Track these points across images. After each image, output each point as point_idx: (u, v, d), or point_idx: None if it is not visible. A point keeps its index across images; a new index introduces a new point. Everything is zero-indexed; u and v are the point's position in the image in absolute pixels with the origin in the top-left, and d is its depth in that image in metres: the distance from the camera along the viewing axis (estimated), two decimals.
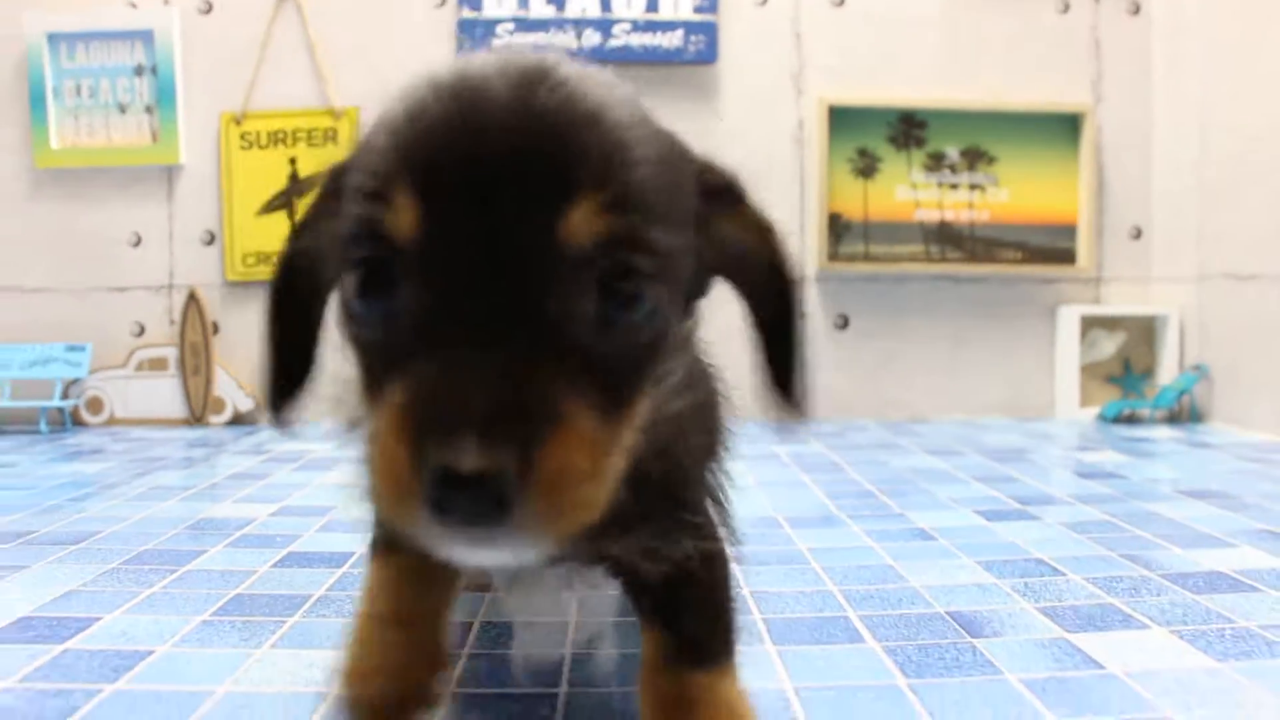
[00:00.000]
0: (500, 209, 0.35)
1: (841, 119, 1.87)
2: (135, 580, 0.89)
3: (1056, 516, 1.09)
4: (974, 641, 0.72)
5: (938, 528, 1.05)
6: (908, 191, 1.90)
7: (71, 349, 1.90)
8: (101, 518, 1.14)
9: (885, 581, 0.87)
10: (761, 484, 1.30)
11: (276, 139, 1.89)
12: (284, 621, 0.79)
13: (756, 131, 1.89)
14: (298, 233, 0.48)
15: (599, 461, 0.36)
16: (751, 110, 1.89)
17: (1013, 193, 1.91)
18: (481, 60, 0.40)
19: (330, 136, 1.88)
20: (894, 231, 1.90)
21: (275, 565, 0.94)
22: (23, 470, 1.45)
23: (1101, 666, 0.68)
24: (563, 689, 0.66)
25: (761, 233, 0.48)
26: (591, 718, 0.62)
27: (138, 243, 1.93)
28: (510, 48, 0.41)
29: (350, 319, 0.40)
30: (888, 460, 1.46)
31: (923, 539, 1.01)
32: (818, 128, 1.87)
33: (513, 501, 0.33)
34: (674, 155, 0.43)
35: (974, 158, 1.90)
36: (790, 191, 1.89)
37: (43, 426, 1.85)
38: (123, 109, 1.91)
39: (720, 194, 0.47)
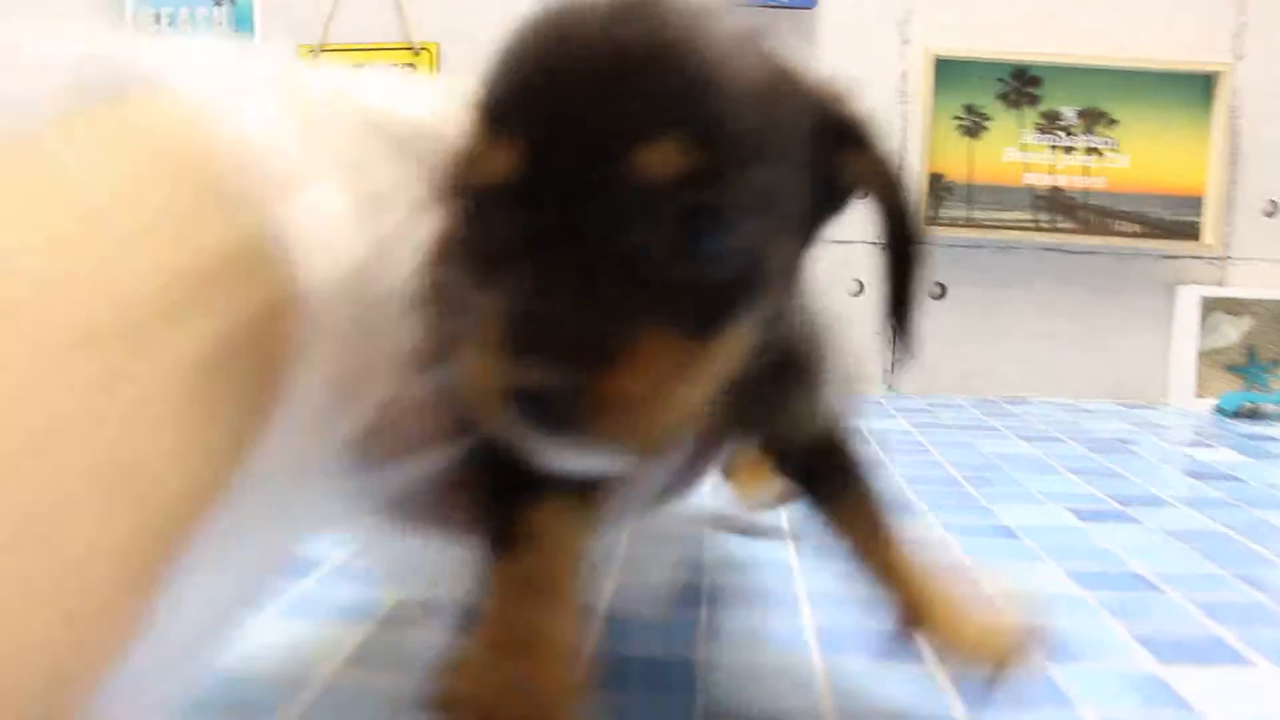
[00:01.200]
0: (586, 148, 0.37)
1: (948, 72, 1.74)
2: None
3: (1160, 521, 0.97)
4: (1048, 667, 0.62)
5: (1024, 525, 0.94)
6: (1017, 153, 1.76)
7: None
8: None
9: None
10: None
11: None
12: None
13: (856, 83, 1.76)
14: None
15: (669, 390, 0.38)
16: (852, 59, 1.76)
17: (1134, 158, 1.75)
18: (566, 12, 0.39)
19: (409, 72, 1.81)
20: (1000, 196, 1.76)
21: None
22: None
23: (1194, 711, 0.57)
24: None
25: (882, 180, 0.48)
26: None
27: None
28: None
29: (449, 246, 0.41)
30: (977, 444, 1.34)
31: (1006, 537, 0.90)
32: (923, 81, 1.74)
33: (585, 417, 0.35)
34: (783, 90, 0.42)
35: (1092, 119, 1.75)
36: (890, 149, 1.76)
37: None
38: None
39: (844, 132, 0.46)
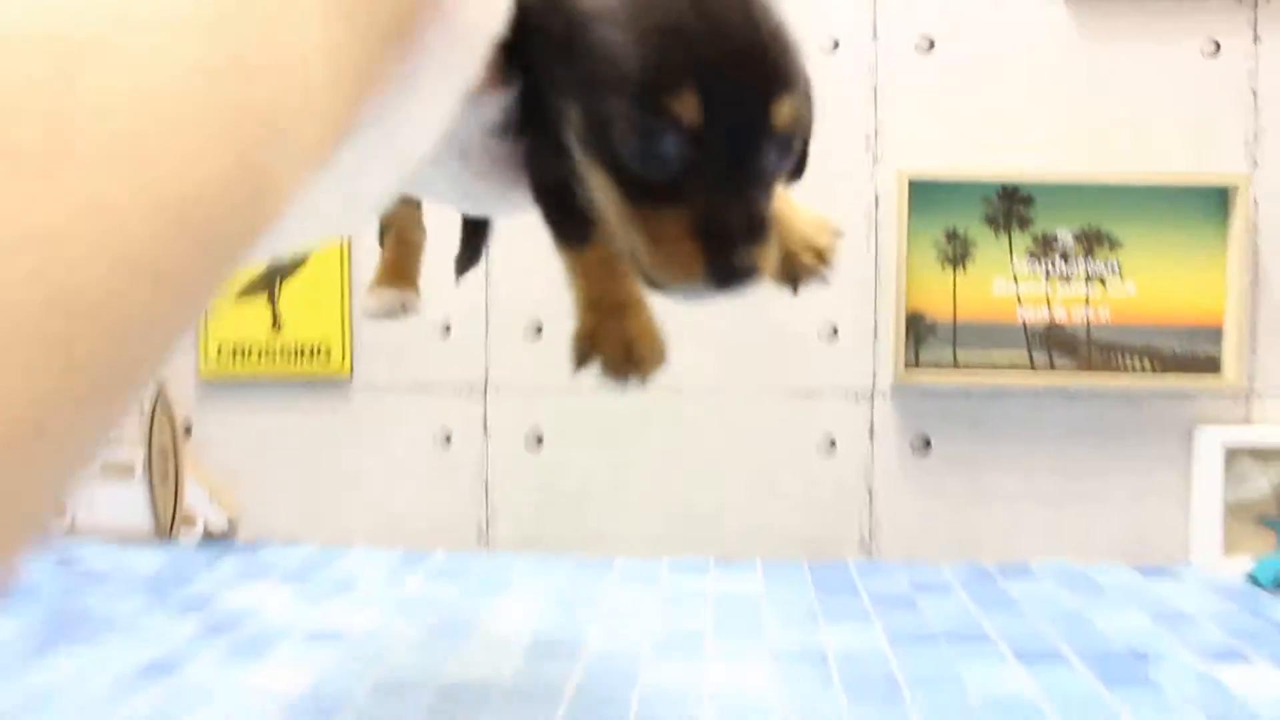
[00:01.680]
0: (743, 104, 0.53)
1: (926, 195, 1.52)
2: None
3: None
4: None
5: None
6: (1008, 285, 1.54)
7: None
8: None
9: None
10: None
11: None
12: None
13: (822, 209, 1.54)
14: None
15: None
16: (815, 182, 1.54)
17: (1141, 285, 1.53)
18: None
19: None
20: (990, 334, 1.54)
21: None
22: None
23: None
24: None
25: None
26: None
27: None
28: None
29: (615, 151, 0.54)
30: (961, 676, 1.11)
31: None
32: (896, 205, 1.52)
33: (753, 276, 0.54)
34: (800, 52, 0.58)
35: (1092, 242, 1.53)
36: (860, 284, 1.55)
37: None
38: None
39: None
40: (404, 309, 0.99)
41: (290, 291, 1.62)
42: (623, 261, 0.60)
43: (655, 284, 0.57)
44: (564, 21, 0.54)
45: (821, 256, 0.76)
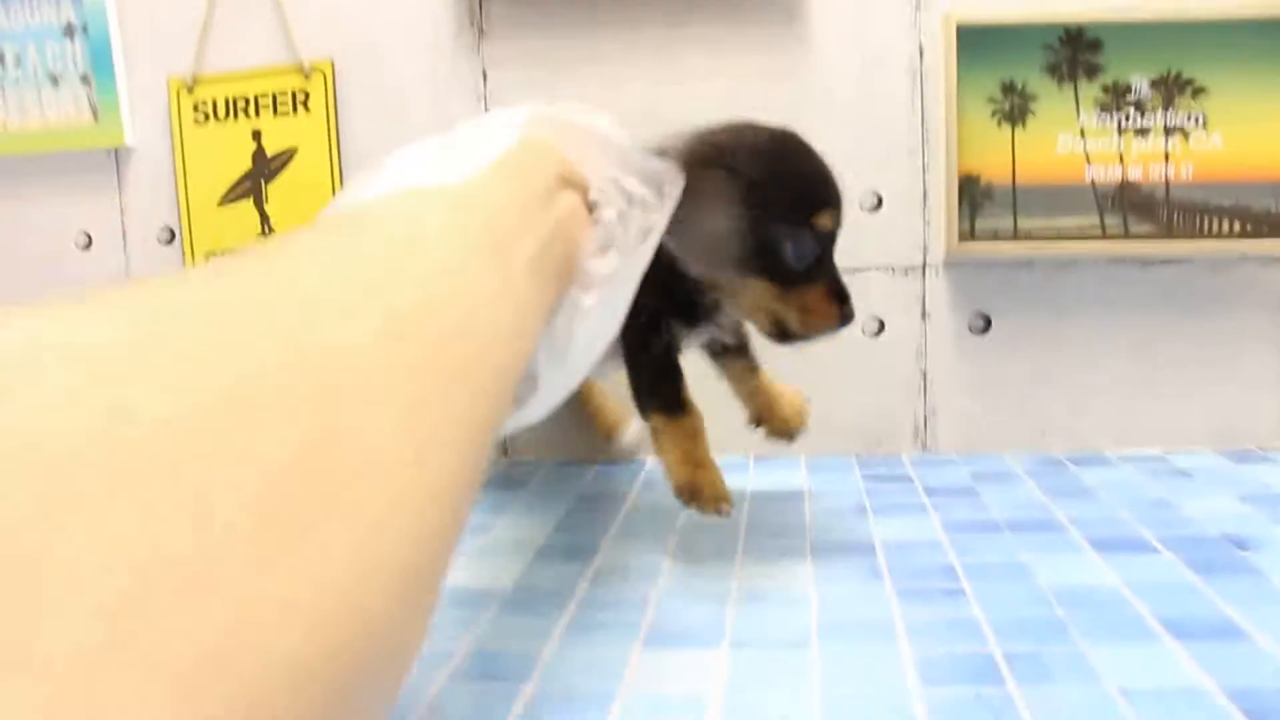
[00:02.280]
0: (840, 217, 0.93)
1: (977, 42, 1.34)
2: None
3: None
4: None
5: None
6: (1074, 141, 1.36)
7: None
8: None
9: None
10: (827, 629, 0.83)
11: (236, 108, 1.48)
12: None
13: (858, 63, 1.38)
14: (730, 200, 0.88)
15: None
16: (851, 34, 1.37)
17: (1228, 137, 1.34)
18: (782, 129, 0.94)
19: (301, 101, 1.46)
20: (1055, 198, 1.36)
21: None
22: None
23: None
24: None
25: None
26: None
27: (88, 244, 1.56)
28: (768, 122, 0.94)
29: (780, 259, 0.88)
30: (1034, 566, 0.96)
31: None
32: (944, 56, 1.35)
33: (852, 316, 0.91)
34: None
35: (1172, 89, 1.35)
36: (906, 147, 1.38)
37: None
38: (55, 81, 1.53)
39: None
40: None
41: (276, 193, 1.48)
42: (760, 331, 0.97)
43: (800, 337, 0.93)
44: (745, 184, 0.87)
45: (789, 423, 1.17)
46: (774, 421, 1.15)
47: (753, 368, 1.14)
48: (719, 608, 0.89)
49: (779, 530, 1.10)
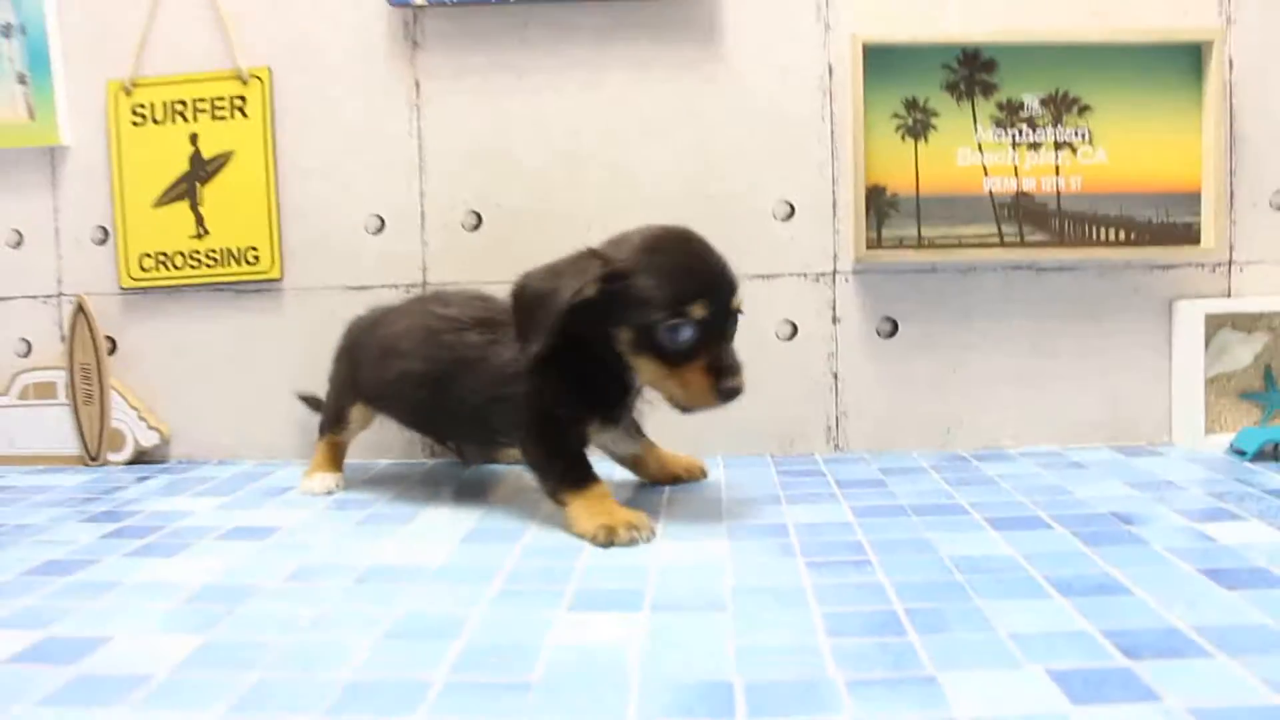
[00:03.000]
0: (724, 302, 1.06)
1: (883, 61, 1.43)
2: None
3: (1188, 691, 0.67)
4: None
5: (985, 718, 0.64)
6: (973, 155, 1.45)
7: None
8: None
9: None
10: (744, 593, 0.89)
11: (174, 111, 1.51)
12: None
13: (769, 81, 1.46)
14: (573, 289, 1.03)
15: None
16: (762, 53, 1.45)
17: (1113, 152, 1.45)
18: (677, 232, 1.11)
19: (238, 106, 1.50)
20: (956, 207, 1.45)
21: None
22: None
23: None
24: None
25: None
26: None
27: (19, 243, 1.58)
28: (672, 225, 1.11)
29: (658, 342, 1.03)
30: (936, 542, 1.03)
31: None
32: (851, 74, 1.43)
33: (741, 391, 1.05)
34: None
35: (1061, 107, 1.45)
36: (815, 159, 1.46)
37: None
38: None
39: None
40: (338, 486, 1.34)
41: (212, 196, 1.52)
42: (666, 400, 1.11)
43: (685, 408, 1.08)
44: (622, 283, 1.03)
45: (691, 471, 1.34)
46: (668, 472, 1.34)
47: (649, 446, 1.32)
48: (640, 577, 0.95)
49: (696, 515, 1.16)
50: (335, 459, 1.39)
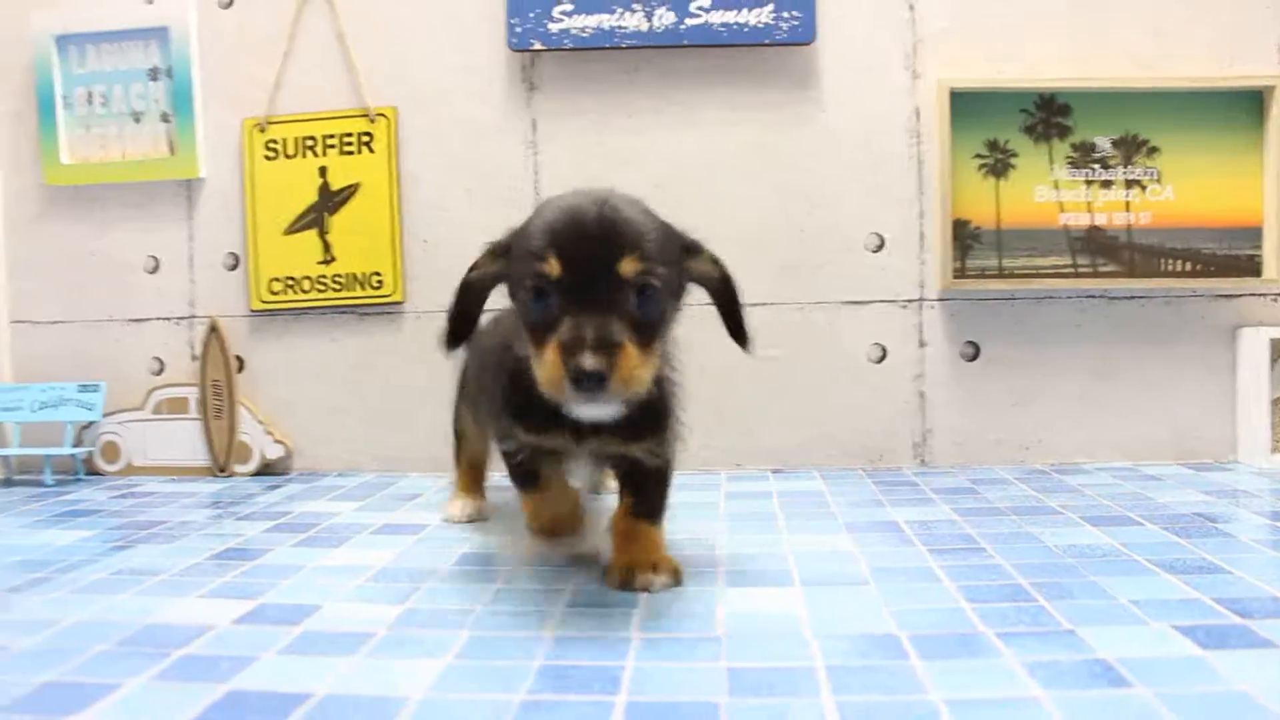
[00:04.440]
0: (594, 264, 0.84)
1: (966, 106, 1.55)
2: None
3: None
4: None
5: (1130, 660, 0.73)
6: (1049, 192, 1.57)
7: (84, 389, 1.68)
8: (26, 621, 0.89)
9: None
10: (880, 573, 0.99)
11: (305, 146, 1.64)
12: None
13: (863, 124, 1.58)
14: (474, 267, 0.96)
15: (640, 366, 0.83)
16: (857, 98, 1.58)
17: (1180, 189, 1.56)
18: (575, 194, 0.90)
19: (365, 142, 1.63)
20: (1033, 240, 1.56)
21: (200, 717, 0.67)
22: None
23: None
24: None
25: (714, 263, 0.97)
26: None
27: (155, 268, 1.70)
28: (588, 188, 0.91)
29: (524, 309, 0.87)
30: (1038, 534, 1.13)
31: (1112, 683, 0.70)
32: (937, 117, 1.55)
33: (607, 380, 0.80)
34: (667, 231, 0.91)
35: (1131, 148, 1.56)
36: (905, 195, 1.58)
37: (47, 478, 1.63)
38: (137, 118, 1.68)
39: (690, 248, 0.95)
40: (480, 514, 1.31)
41: (339, 225, 1.64)
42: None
43: (551, 396, 0.85)
44: (505, 257, 0.94)
45: (657, 568, 0.97)
46: (616, 560, 1.00)
47: (627, 506, 1.03)
48: (781, 562, 1.05)
49: (810, 515, 1.26)
50: (473, 483, 1.34)
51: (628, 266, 0.83)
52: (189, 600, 0.96)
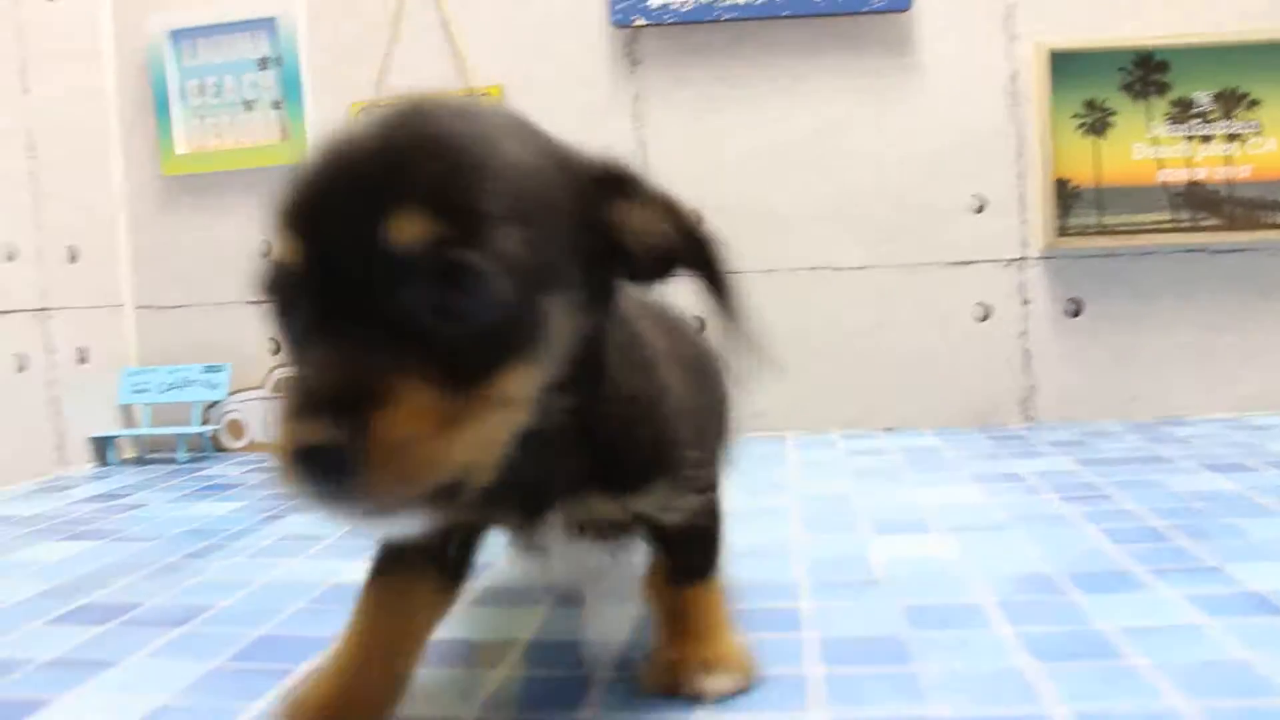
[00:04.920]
0: (343, 230, 0.44)
1: (1064, 66, 1.57)
2: (240, 688, 0.69)
3: None
4: None
5: None
6: (1149, 149, 1.58)
7: (210, 369, 1.76)
8: (218, 583, 0.96)
9: (1254, 694, 0.60)
10: (1015, 519, 1.03)
11: None
12: None
13: (962, 88, 1.60)
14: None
15: (441, 430, 0.43)
16: (955, 63, 1.60)
17: None
18: (376, 112, 0.47)
19: None
20: (1134, 197, 1.58)
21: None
22: (150, 513, 1.29)
23: None
24: None
25: (668, 212, 0.53)
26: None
27: (269, 252, 1.76)
28: (416, 95, 0.49)
29: (275, 325, 0.48)
30: (1160, 480, 1.16)
31: (1272, 611, 0.74)
32: (1036, 79, 1.57)
33: (353, 466, 0.41)
34: (544, 163, 0.49)
35: (1230, 102, 1.57)
36: (1005, 157, 1.60)
37: (181, 454, 1.70)
38: (249, 106, 1.74)
39: (613, 185, 0.52)
40: None
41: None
42: None
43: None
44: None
45: (713, 665, 0.64)
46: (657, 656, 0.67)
47: (662, 568, 0.69)
48: (915, 512, 1.09)
49: (935, 469, 1.30)
50: None
51: (404, 231, 0.43)
52: (361, 563, 1.01)
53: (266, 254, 0.46)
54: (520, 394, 0.47)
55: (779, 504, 1.16)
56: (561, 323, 0.49)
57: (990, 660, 0.67)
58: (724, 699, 0.63)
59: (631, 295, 0.60)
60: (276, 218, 0.47)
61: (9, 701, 0.69)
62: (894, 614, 0.77)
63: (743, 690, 0.64)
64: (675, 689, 0.63)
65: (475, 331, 0.45)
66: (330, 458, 0.41)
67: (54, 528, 1.25)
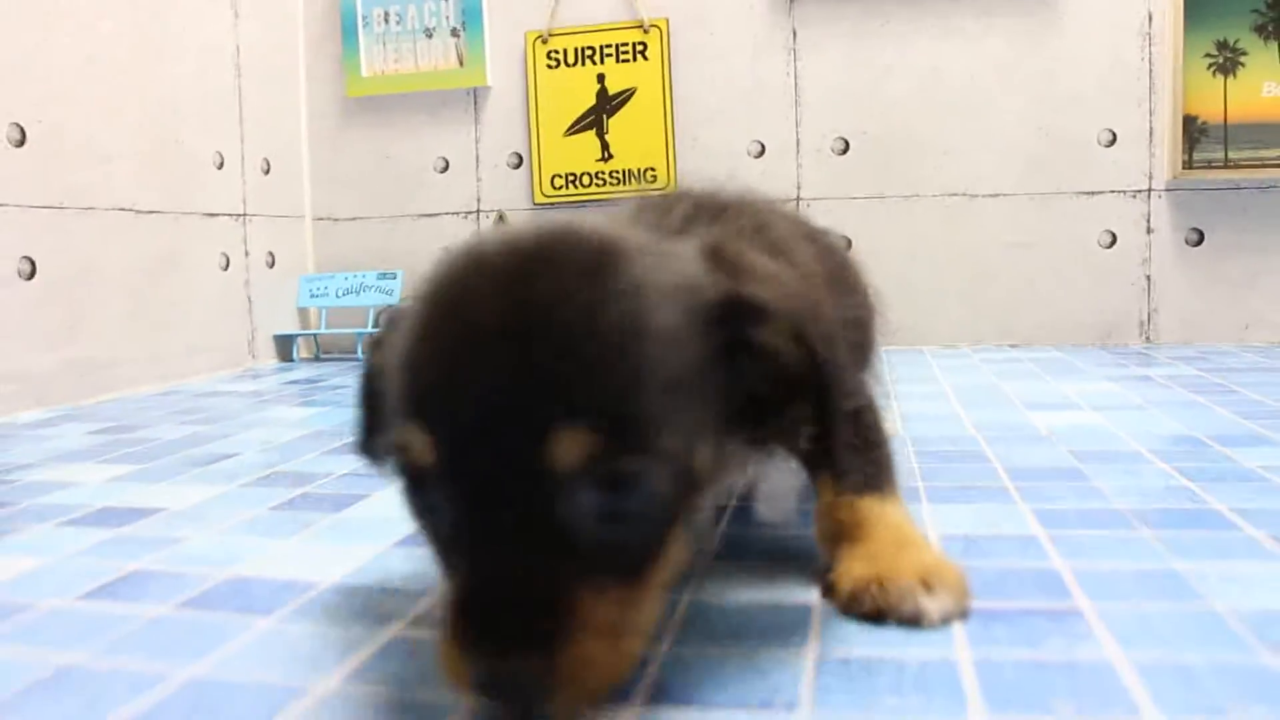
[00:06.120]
0: (495, 440, 0.40)
1: (1197, 8, 1.67)
2: None
3: None
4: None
5: None
6: (1277, 88, 1.68)
7: (383, 276, 1.93)
8: None
9: None
10: (1153, 403, 1.16)
11: (584, 56, 1.84)
12: None
13: (1100, 29, 1.71)
14: (372, 349, 0.53)
15: (619, 637, 0.42)
16: (1094, 5, 1.71)
17: None
18: (478, 264, 0.44)
19: (640, 51, 1.82)
20: (1260, 134, 1.68)
21: None
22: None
23: None
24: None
25: (794, 337, 0.48)
26: None
27: (445, 168, 1.93)
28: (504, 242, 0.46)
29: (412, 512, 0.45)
30: None
31: None
32: (1170, 20, 1.68)
33: (543, 694, 0.39)
34: (678, 321, 0.44)
35: None
36: (1137, 94, 1.71)
37: (360, 353, 1.88)
38: (429, 33, 1.90)
39: (744, 314, 0.47)
40: None
41: (615, 126, 1.84)
42: None
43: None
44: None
45: (930, 583, 0.55)
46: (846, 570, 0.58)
47: (833, 483, 0.63)
48: (1065, 396, 1.22)
49: (1067, 373, 1.43)
50: None
51: (567, 450, 0.40)
52: None
53: (400, 443, 0.42)
54: (680, 555, 0.46)
55: (934, 390, 1.30)
56: (710, 470, 0.47)
57: (1158, 480, 0.81)
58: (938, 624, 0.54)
59: (782, 213, 0.67)
60: (405, 404, 0.43)
61: (321, 502, 0.86)
62: (1068, 455, 0.91)
63: (964, 615, 0.55)
64: (881, 611, 0.54)
65: (639, 528, 0.43)
66: (522, 686, 0.39)
67: (281, 398, 1.43)
